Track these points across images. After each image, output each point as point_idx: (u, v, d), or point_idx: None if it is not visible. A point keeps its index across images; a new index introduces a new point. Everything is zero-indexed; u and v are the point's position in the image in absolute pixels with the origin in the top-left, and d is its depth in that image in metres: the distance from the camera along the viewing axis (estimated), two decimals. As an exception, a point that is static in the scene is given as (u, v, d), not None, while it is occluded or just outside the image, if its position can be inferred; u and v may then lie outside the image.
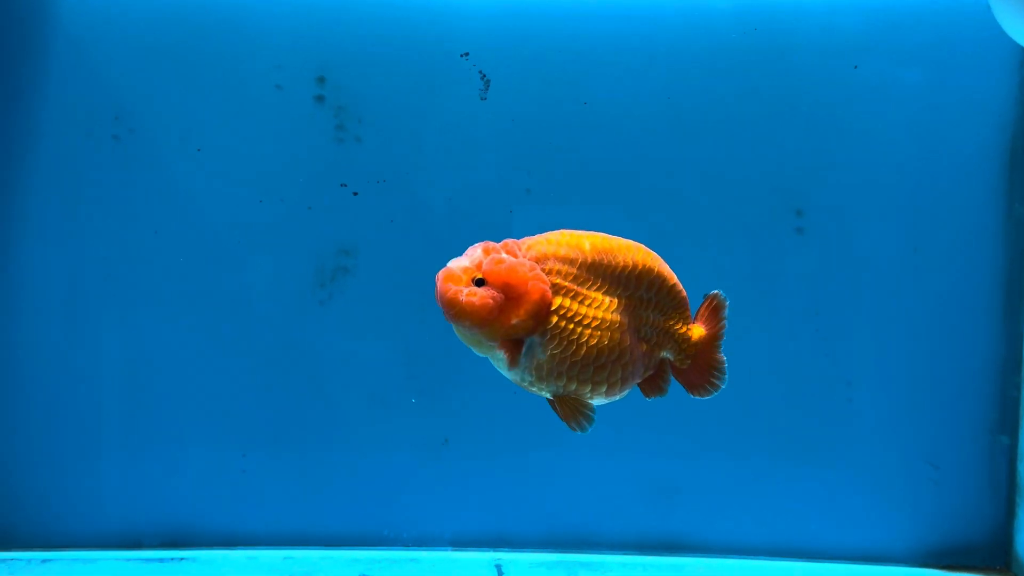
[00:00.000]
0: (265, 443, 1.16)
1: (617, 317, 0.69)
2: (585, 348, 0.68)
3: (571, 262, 0.68)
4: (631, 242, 0.72)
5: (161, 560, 1.11)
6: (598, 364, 0.68)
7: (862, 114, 1.15)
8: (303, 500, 1.17)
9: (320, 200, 1.16)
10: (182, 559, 1.12)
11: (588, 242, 0.70)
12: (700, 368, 0.75)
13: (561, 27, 1.15)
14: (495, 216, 1.17)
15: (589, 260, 0.69)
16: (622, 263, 0.70)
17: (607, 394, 0.69)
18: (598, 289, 0.69)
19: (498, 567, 1.12)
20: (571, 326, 0.67)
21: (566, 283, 0.68)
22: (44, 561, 1.09)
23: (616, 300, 0.69)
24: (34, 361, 1.12)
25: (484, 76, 1.15)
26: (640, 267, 0.70)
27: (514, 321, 0.66)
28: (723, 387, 0.75)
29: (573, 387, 0.68)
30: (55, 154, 1.12)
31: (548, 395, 0.70)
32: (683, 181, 1.17)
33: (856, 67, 1.14)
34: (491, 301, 0.66)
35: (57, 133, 1.12)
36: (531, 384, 0.69)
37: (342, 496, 1.17)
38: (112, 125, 1.12)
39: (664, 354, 0.73)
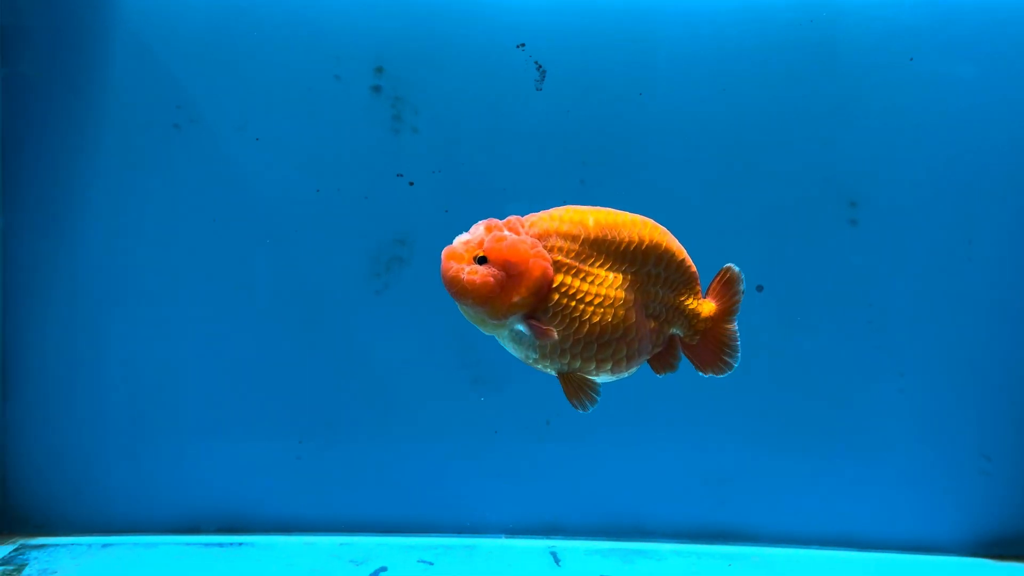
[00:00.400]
0: (320, 431, 1.17)
1: (622, 294, 0.68)
2: (588, 325, 0.67)
3: (574, 239, 0.68)
4: (638, 217, 0.71)
5: (220, 545, 1.12)
6: (602, 341, 0.68)
7: (917, 107, 1.16)
8: (358, 487, 1.18)
9: (376, 190, 1.16)
10: (240, 544, 1.13)
11: (592, 218, 0.69)
12: (711, 344, 0.74)
13: (617, 18, 1.16)
14: (549, 206, 1.17)
15: (592, 236, 0.68)
16: (627, 238, 0.69)
17: (613, 371, 0.69)
18: (602, 265, 0.69)
19: (553, 553, 1.13)
20: (572, 303, 0.67)
21: (568, 260, 0.68)
22: (105, 546, 1.11)
23: (621, 276, 0.69)
24: (99, 349, 1.14)
25: (540, 67, 1.16)
26: (647, 242, 0.70)
27: (516, 299, 0.66)
28: (736, 365, 0.74)
29: (578, 364, 0.68)
30: (117, 142, 1.13)
31: (554, 372, 0.70)
32: (737, 172, 1.17)
33: (912, 59, 1.15)
34: (491, 280, 0.66)
35: (119, 122, 1.12)
36: (536, 361, 0.69)
37: (397, 483, 1.18)
38: (174, 114, 1.13)
39: (673, 330, 0.73)
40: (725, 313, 0.73)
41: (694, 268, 0.73)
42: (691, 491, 1.19)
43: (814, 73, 1.16)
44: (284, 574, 1.03)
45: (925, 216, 1.16)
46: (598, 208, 0.70)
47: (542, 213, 0.70)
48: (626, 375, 0.71)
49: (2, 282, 1.12)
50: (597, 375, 0.70)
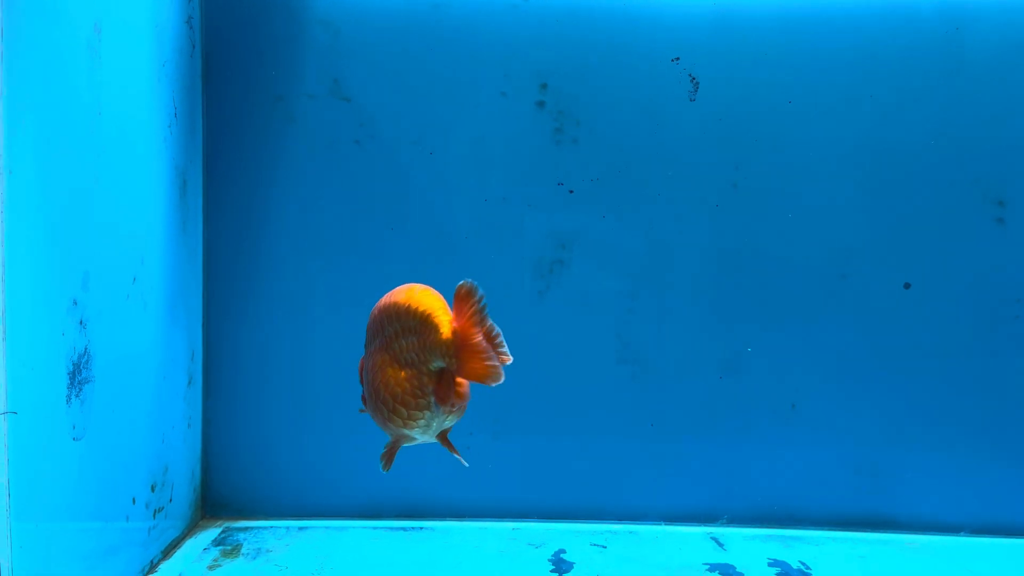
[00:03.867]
0: (489, 425, 1.26)
1: (377, 358, 0.75)
2: (369, 398, 0.76)
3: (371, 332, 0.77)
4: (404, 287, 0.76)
5: (404, 529, 1.21)
6: (376, 403, 0.74)
7: (1065, 107, 1.19)
8: (524, 477, 1.26)
9: (539, 198, 1.25)
10: (421, 528, 1.22)
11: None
12: (469, 359, 0.71)
13: (765, 28, 1.22)
14: (703, 209, 1.24)
15: (371, 327, 0.77)
16: (373, 313, 0.76)
17: (405, 422, 0.74)
18: (372, 343, 0.76)
19: (714, 539, 1.19)
20: (364, 385, 0.77)
21: (369, 350, 0.77)
22: (302, 528, 1.21)
23: (376, 344, 0.76)
24: (294, 348, 1.24)
25: (694, 78, 1.23)
26: (381, 307, 0.75)
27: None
28: (505, 362, 0.72)
29: (389, 428, 0.75)
30: (306, 159, 1.23)
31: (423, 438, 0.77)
32: (885, 174, 1.22)
33: (1060, 61, 1.19)
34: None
35: (308, 140, 1.23)
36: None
37: (561, 473, 1.26)
38: (356, 131, 1.23)
39: (436, 364, 0.72)
40: (468, 327, 0.71)
41: (422, 308, 0.72)
42: (844, 481, 1.24)
43: (959, 75, 1.21)
44: (474, 555, 1.12)
45: (1074, 213, 1.20)
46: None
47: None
48: (421, 421, 0.74)
49: (205, 288, 1.23)
50: (402, 428, 0.75)
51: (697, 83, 1.23)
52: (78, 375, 0.81)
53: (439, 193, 1.24)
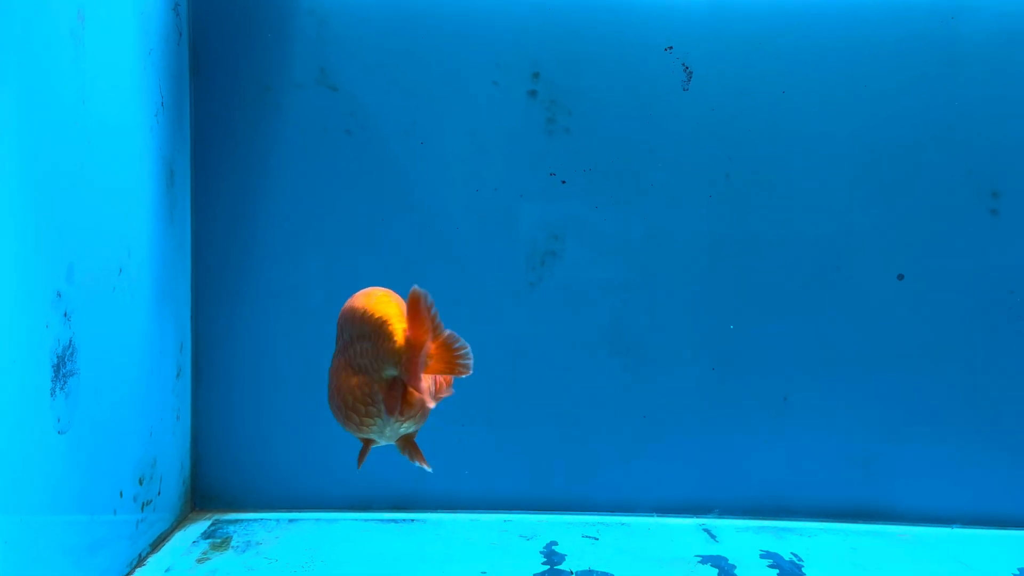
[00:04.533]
0: (481, 416, 1.25)
1: (334, 363, 0.75)
2: (329, 400, 0.75)
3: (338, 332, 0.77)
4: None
5: (395, 521, 1.21)
6: (332, 407, 0.75)
7: (1060, 97, 1.19)
8: (515, 469, 1.25)
9: (531, 188, 1.24)
10: (412, 520, 1.21)
11: None
12: (417, 371, 0.70)
13: (759, 19, 1.21)
14: (696, 200, 1.23)
15: (338, 327, 0.76)
16: (340, 318, 0.75)
17: (359, 427, 0.74)
18: (337, 348, 0.76)
19: (707, 531, 1.19)
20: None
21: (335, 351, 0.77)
22: (291, 521, 1.20)
23: (338, 348, 0.75)
24: (281, 339, 1.23)
25: (687, 68, 1.22)
26: (342, 313, 0.75)
27: None
28: (463, 374, 0.71)
29: (349, 430, 0.75)
30: (296, 149, 1.22)
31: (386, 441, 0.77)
32: (878, 165, 1.22)
33: (1055, 51, 1.18)
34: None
35: (297, 129, 1.21)
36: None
37: (551, 465, 1.25)
38: (346, 121, 1.22)
39: (388, 372, 0.71)
40: (419, 336, 0.69)
41: (377, 315, 0.71)
42: (836, 472, 1.24)
43: (954, 65, 1.20)
44: (465, 547, 1.11)
45: (1068, 204, 1.20)
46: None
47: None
48: (374, 424, 0.73)
49: (194, 280, 1.22)
50: (360, 432, 0.75)
51: (691, 73, 1.22)
52: (62, 368, 0.80)
53: (430, 183, 1.23)
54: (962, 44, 1.21)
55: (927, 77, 1.21)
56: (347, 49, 1.21)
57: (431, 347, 0.69)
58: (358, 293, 0.75)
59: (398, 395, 0.71)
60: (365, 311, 0.72)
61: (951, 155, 1.21)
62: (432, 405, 0.73)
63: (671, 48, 1.22)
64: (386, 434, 0.75)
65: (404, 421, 0.73)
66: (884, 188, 1.22)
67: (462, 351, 0.71)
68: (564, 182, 1.23)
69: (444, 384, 0.78)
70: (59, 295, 0.80)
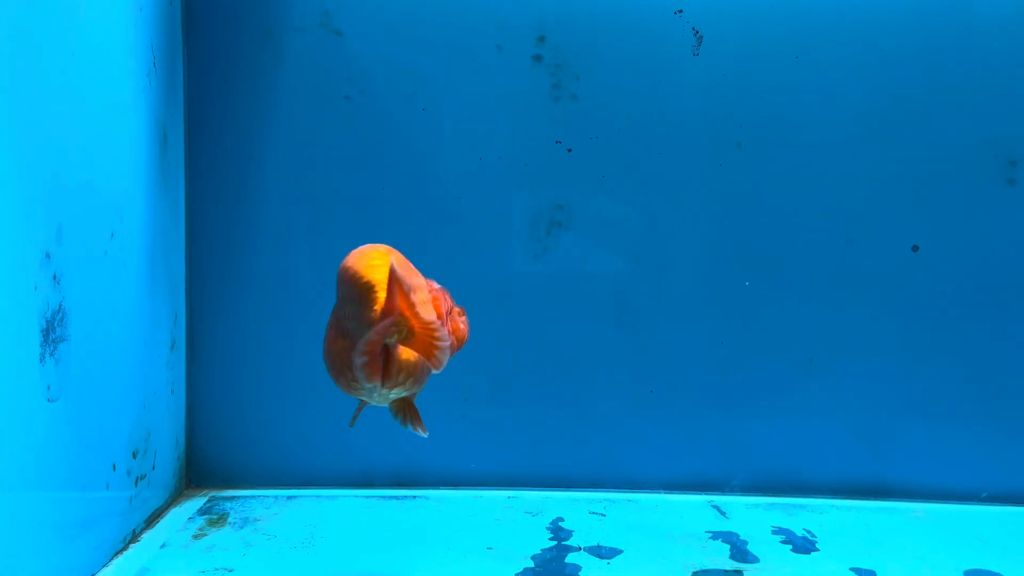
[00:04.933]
0: (484, 390, 1.22)
1: (330, 319, 0.72)
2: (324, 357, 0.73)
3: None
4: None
5: (397, 498, 1.17)
6: (326, 365, 0.73)
7: (1080, 62, 1.16)
8: (520, 445, 1.22)
9: (536, 157, 1.20)
10: (415, 497, 1.18)
11: None
12: (420, 342, 0.71)
13: (773, -18, 1.17)
14: (705, 169, 1.20)
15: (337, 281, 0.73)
16: (339, 272, 0.71)
17: (347, 388, 0.72)
18: (335, 304, 0.73)
19: (716, 507, 1.16)
20: None
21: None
22: (290, 498, 1.17)
23: (335, 304, 0.72)
24: (277, 314, 1.19)
25: (697, 32, 1.18)
26: (339, 272, 0.71)
27: None
28: (437, 355, 0.72)
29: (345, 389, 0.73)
30: (292, 114, 1.18)
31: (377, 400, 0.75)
32: (895, 134, 1.18)
33: (1076, 15, 1.14)
34: None
35: (294, 94, 1.18)
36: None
37: (557, 440, 1.22)
38: (345, 86, 1.18)
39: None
40: (391, 311, 0.68)
41: (365, 279, 0.68)
42: (848, 449, 1.21)
43: (972, 32, 1.17)
44: (469, 524, 1.08)
45: (1088, 173, 1.17)
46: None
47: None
48: (365, 385, 0.71)
49: (188, 249, 1.18)
50: (354, 393, 0.73)
51: (701, 37, 1.18)
52: (52, 333, 0.77)
53: (432, 151, 1.19)
54: (981, 9, 1.17)
55: (944, 43, 1.17)
56: (345, 14, 1.17)
57: (415, 325, 0.70)
58: (355, 251, 0.71)
59: (379, 362, 0.70)
60: (355, 274, 0.69)
61: (968, 123, 1.18)
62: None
63: (680, 12, 1.18)
64: (374, 398, 0.74)
65: (391, 388, 0.71)
66: (899, 157, 1.19)
67: (439, 343, 0.71)
68: (570, 150, 1.20)
69: (456, 339, 0.77)
70: (48, 256, 0.76)
